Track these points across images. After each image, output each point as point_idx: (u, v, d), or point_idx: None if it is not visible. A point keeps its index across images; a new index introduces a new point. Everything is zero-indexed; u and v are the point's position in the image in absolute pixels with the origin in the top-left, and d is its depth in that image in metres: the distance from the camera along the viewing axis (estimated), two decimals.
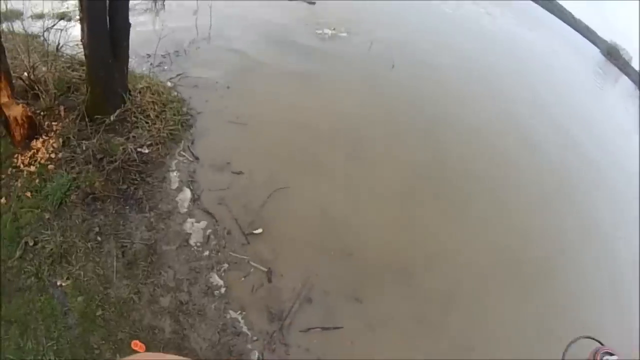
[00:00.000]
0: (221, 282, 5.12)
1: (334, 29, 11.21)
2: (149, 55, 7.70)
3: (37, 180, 5.50)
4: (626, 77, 33.25)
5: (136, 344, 4.54)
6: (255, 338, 4.74)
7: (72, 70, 6.37)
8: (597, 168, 9.74)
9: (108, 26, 5.63)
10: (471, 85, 9.80)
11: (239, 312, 4.92)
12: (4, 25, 5.98)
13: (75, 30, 6.64)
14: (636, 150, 13.24)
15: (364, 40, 10.89)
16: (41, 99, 5.83)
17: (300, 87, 7.93)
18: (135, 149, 5.80)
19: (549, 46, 23.89)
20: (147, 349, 4.57)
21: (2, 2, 6.51)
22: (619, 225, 8.08)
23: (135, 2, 9.67)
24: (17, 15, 7.64)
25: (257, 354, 4.60)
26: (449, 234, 6.25)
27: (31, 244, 5.12)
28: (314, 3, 13.81)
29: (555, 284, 6.26)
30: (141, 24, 9.50)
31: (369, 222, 6.09)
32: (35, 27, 7.16)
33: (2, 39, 5.15)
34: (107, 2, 5.47)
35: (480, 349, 5.08)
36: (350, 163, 6.74)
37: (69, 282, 4.94)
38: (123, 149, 5.72)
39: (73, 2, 7.49)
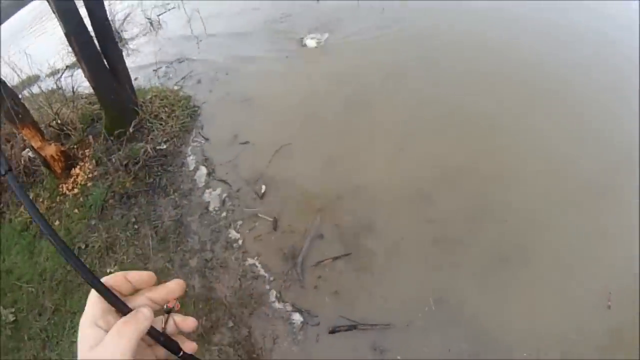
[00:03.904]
0: (238, 236, 5.48)
1: None
2: (154, 70, 8.53)
3: (81, 198, 6.31)
4: None
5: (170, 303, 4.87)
6: (272, 279, 4.97)
7: (92, 104, 7.31)
8: None
9: (102, 58, 6.39)
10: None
11: (256, 257, 5.21)
12: (25, 91, 7.11)
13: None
14: None
15: None
16: (72, 136, 6.73)
17: (297, 58, 8.07)
18: (154, 147, 6.42)
19: None
20: (182, 306, 4.84)
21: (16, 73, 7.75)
22: None
23: (134, 31, 10.92)
24: (34, 79, 9.01)
25: (274, 292, 4.82)
26: (465, 154, 5.65)
27: (83, 247, 5.85)
28: None
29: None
30: (143, 45, 10.57)
31: (376, 158, 5.91)
32: (52, 83, 8.38)
33: (25, 102, 6.16)
34: (95, 40, 6.28)
35: (516, 258, 4.51)
36: (349, 112, 6.61)
37: (116, 267, 5.52)
38: (144, 150, 6.35)
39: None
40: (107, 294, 0.71)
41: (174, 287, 0.80)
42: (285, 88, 7.35)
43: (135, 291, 0.77)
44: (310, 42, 8.31)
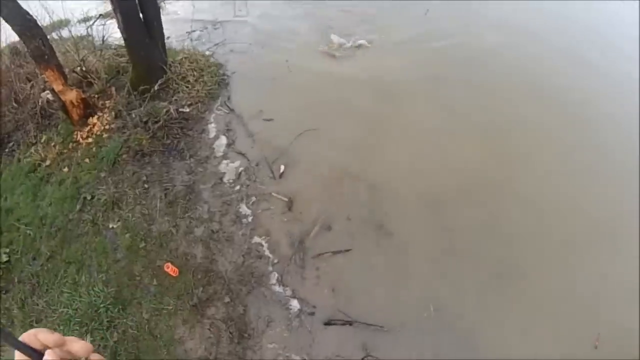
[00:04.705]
0: (249, 212, 5.32)
1: None
2: (188, 32, 8.32)
3: (94, 149, 6.13)
4: None
5: (168, 266, 4.90)
6: (276, 261, 4.88)
7: (120, 57, 7.12)
8: None
9: (139, 11, 6.20)
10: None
11: (263, 237, 5.08)
12: (54, 34, 6.92)
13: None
14: None
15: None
16: (94, 85, 6.55)
17: (339, 51, 7.84)
18: (177, 109, 6.22)
19: None
20: (180, 273, 4.89)
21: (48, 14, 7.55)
22: None
23: None
24: (65, 23, 8.81)
25: (276, 275, 4.75)
26: (488, 166, 5.55)
27: (89, 198, 5.69)
28: None
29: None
30: (182, 5, 10.23)
31: (399, 158, 5.77)
32: (82, 29, 8.18)
33: (53, 44, 5.98)
34: None
35: (516, 282, 4.55)
36: (379, 109, 6.43)
37: (119, 223, 5.34)
38: (166, 111, 6.17)
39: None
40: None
41: (78, 348, 0.84)
42: (319, 74, 7.13)
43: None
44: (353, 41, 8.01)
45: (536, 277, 4.55)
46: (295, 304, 4.54)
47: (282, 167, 5.74)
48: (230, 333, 4.44)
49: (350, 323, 4.32)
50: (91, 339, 4.68)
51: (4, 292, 5.33)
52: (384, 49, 7.67)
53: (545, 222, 5.00)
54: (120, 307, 4.79)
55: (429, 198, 5.27)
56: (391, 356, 4.05)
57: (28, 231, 5.66)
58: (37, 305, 5.03)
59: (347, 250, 4.90)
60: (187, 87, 6.60)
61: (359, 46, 7.83)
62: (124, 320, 4.71)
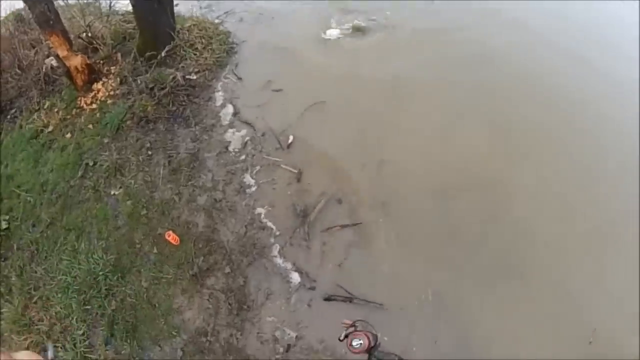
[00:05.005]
0: (253, 182, 5.15)
1: None
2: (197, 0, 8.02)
3: (98, 115, 5.96)
4: None
5: (169, 235, 4.71)
6: (278, 233, 4.74)
7: (127, 23, 6.90)
8: None
9: None
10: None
11: (266, 207, 4.94)
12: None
13: None
14: None
15: None
16: (100, 51, 6.35)
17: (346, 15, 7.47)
18: (184, 76, 6.02)
19: None
20: (181, 242, 4.71)
21: None
22: None
23: None
24: None
25: (278, 247, 4.62)
26: (494, 161, 5.32)
27: (91, 164, 5.52)
28: None
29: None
30: None
31: (407, 142, 5.51)
32: None
33: (58, 10, 5.85)
34: None
35: (515, 278, 4.40)
36: (393, 89, 6.13)
37: (121, 190, 5.20)
38: (173, 77, 5.96)
39: None
40: None
41: None
42: (332, 48, 6.83)
43: None
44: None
45: (533, 276, 4.42)
46: (296, 277, 4.42)
47: (291, 138, 5.51)
48: (230, 304, 4.31)
49: (350, 300, 4.21)
50: (89, 306, 4.54)
51: (2, 259, 5.19)
52: (396, 34, 7.28)
53: (545, 222, 4.82)
54: (119, 275, 4.64)
55: (434, 186, 5.07)
56: (389, 335, 3.89)
57: (28, 198, 5.51)
58: (36, 272, 4.90)
59: (356, 224, 4.72)
60: (194, 54, 6.36)
61: (373, 27, 7.41)
62: (123, 289, 4.56)
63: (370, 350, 1.78)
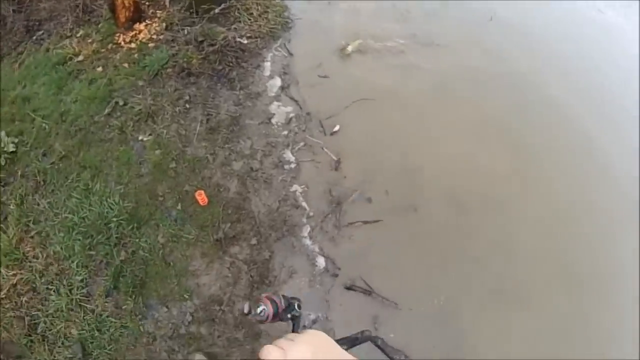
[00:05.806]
0: (293, 159, 4.91)
1: None
2: None
3: (136, 55, 5.61)
4: None
5: (200, 194, 4.40)
6: (311, 214, 4.55)
7: None
8: None
9: None
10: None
11: (303, 187, 4.74)
12: None
13: None
14: None
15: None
16: None
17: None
18: (235, 38, 5.68)
19: None
20: (209, 203, 4.41)
21: None
22: None
23: None
24: None
25: (309, 228, 4.45)
26: (512, 183, 5.24)
27: (121, 103, 5.16)
28: None
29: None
30: None
31: (446, 150, 5.40)
32: None
33: None
34: None
35: (519, 300, 4.34)
36: (436, 97, 5.95)
37: (150, 137, 4.85)
38: (224, 36, 5.65)
39: None
40: None
41: None
42: (389, 47, 6.58)
43: None
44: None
45: (537, 300, 4.36)
46: (321, 262, 4.24)
47: (337, 127, 5.27)
48: (251, 276, 4.04)
49: (370, 293, 4.12)
50: (93, 252, 4.14)
51: (3, 184, 4.74)
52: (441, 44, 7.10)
53: (553, 246, 4.77)
54: (135, 225, 4.25)
55: (454, 199, 4.98)
56: (396, 334, 3.92)
57: (44, 124, 5.08)
58: (38, 205, 4.48)
59: (377, 221, 4.58)
60: (249, 19, 6.03)
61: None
62: (137, 240, 4.18)
63: (281, 313, 1.43)
